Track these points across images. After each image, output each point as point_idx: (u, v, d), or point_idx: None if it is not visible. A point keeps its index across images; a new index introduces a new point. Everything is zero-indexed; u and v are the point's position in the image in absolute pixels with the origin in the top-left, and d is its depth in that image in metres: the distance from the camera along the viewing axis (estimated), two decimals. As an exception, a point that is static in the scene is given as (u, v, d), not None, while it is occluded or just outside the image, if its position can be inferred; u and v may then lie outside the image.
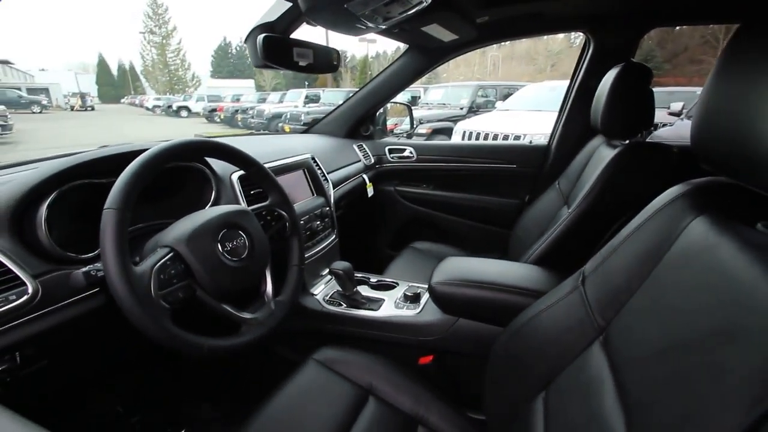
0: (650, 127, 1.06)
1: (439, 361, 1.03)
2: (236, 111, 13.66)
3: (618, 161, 0.99)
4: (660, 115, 5.27)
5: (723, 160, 0.45)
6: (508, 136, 4.45)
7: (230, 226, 0.75)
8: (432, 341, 0.99)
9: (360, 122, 1.82)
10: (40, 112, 21.23)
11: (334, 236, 1.32)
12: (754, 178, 0.41)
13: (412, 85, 1.81)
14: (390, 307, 1.07)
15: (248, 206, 0.92)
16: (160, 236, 0.70)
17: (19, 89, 24.64)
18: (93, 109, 28.09)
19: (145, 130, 14.68)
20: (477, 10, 1.22)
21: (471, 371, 1.00)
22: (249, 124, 12.01)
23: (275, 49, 0.94)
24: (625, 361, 0.49)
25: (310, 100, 12.63)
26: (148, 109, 26.56)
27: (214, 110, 16.04)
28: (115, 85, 50.63)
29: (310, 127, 1.88)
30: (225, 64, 56.74)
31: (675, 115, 5.12)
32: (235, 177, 1.00)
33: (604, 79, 1.09)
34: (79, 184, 0.72)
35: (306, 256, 1.13)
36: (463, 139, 5.01)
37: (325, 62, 1.08)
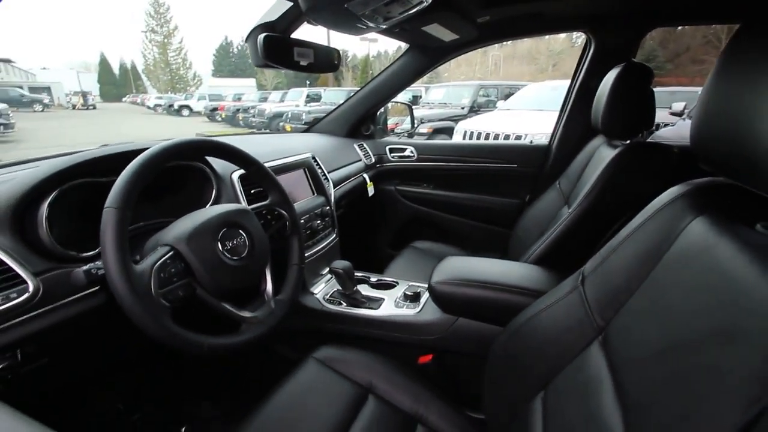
0: (651, 127, 1.06)
1: (438, 361, 1.03)
2: (237, 110, 13.67)
3: (618, 161, 0.99)
4: (662, 115, 5.27)
5: (722, 160, 0.45)
6: (509, 135, 4.44)
7: (230, 225, 0.75)
8: (431, 340, 0.99)
9: (361, 122, 1.82)
10: (42, 111, 21.25)
11: (334, 235, 1.32)
12: (753, 178, 0.41)
13: (413, 85, 1.81)
14: (390, 306, 1.07)
15: (249, 205, 0.92)
16: (160, 235, 0.70)
17: (21, 88, 24.70)
18: (95, 107, 28.11)
19: (146, 129, 14.70)
20: (478, 9, 1.21)
21: (470, 370, 1.00)
22: (250, 123, 12.02)
23: (276, 48, 0.94)
24: (623, 362, 0.49)
25: (312, 99, 12.63)
26: (149, 108, 26.56)
27: (215, 109, 16.04)
28: (116, 83, 50.73)
29: (310, 127, 1.88)
30: (226, 63, 56.81)
31: (677, 115, 5.11)
32: (235, 176, 1.01)
33: (604, 79, 1.09)
34: (80, 183, 0.73)
35: (306, 255, 1.13)
36: (464, 138, 5.01)
37: (326, 62, 1.08)
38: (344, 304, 1.09)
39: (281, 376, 0.84)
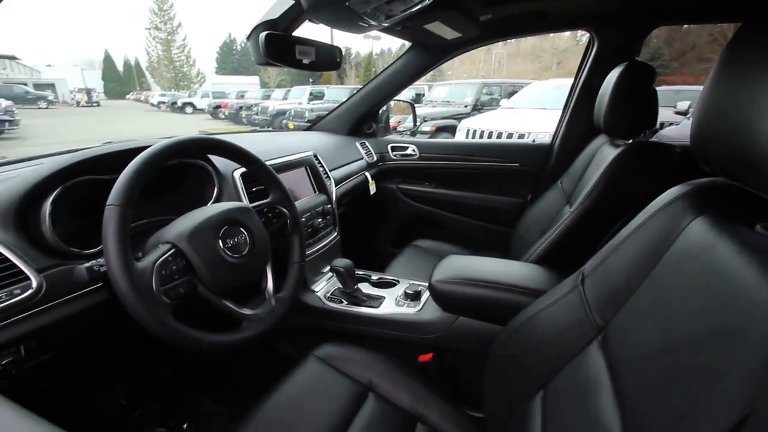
0: (653, 126, 1.06)
1: (438, 359, 1.03)
2: (241, 107, 13.69)
3: (620, 161, 0.99)
4: (667, 114, 5.24)
5: (721, 161, 0.45)
6: (512, 134, 4.41)
7: (231, 222, 0.75)
8: (432, 339, 1.00)
9: (363, 120, 1.82)
10: (47, 108, 21.37)
11: (335, 234, 1.33)
12: (752, 179, 0.41)
13: (416, 83, 1.81)
14: (390, 304, 1.07)
15: (250, 203, 0.93)
16: (162, 232, 0.71)
17: (26, 85, 24.84)
18: (99, 104, 28.19)
19: (149, 126, 14.75)
20: (480, 8, 1.21)
21: (470, 369, 1.00)
22: (253, 121, 12.04)
23: (277, 46, 0.94)
24: (622, 362, 0.49)
25: (315, 96, 12.63)
26: (153, 105, 26.63)
27: (218, 107, 16.06)
28: (120, 81, 50.85)
29: (313, 125, 1.88)
30: (230, 61, 56.81)
31: (681, 114, 5.08)
32: (237, 174, 1.01)
33: (607, 78, 1.09)
34: (83, 180, 0.73)
35: (308, 253, 1.14)
36: (467, 137, 4.99)
37: (328, 60, 1.08)
38: (345, 302, 1.09)
39: (282, 373, 0.85)
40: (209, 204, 0.89)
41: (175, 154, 0.71)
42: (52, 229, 0.67)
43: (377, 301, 1.09)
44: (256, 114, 11.77)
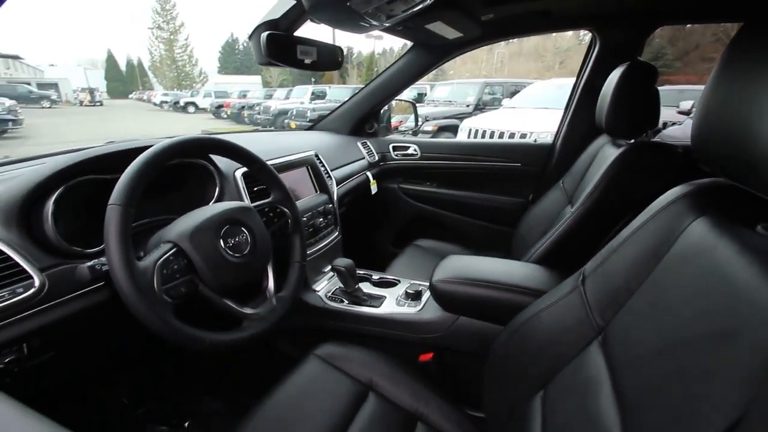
0: (655, 126, 1.05)
1: (439, 359, 1.03)
2: (243, 107, 13.72)
3: (622, 160, 0.99)
4: (670, 114, 5.21)
5: (722, 161, 0.45)
6: (514, 134, 4.40)
7: (232, 222, 0.76)
8: (432, 339, 1.00)
9: (364, 119, 1.82)
10: (50, 107, 21.44)
11: (337, 233, 1.33)
12: (752, 180, 0.41)
13: (418, 82, 1.81)
14: (391, 304, 1.07)
15: (251, 202, 0.93)
16: (163, 232, 0.71)
17: (30, 84, 24.94)
18: (101, 104, 28.28)
19: (152, 125, 14.78)
20: (481, 7, 1.21)
21: (471, 369, 1.00)
22: (255, 120, 12.06)
23: (279, 46, 0.94)
24: (622, 362, 0.48)
25: (317, 96, 12.63)
26: (155, 104, 26.69)
27: (221, 106, 16.09)
28: (123, 80, 51.01)
29: (314, 124, 1.88)
30: (232, 60, 56.90)
31: (684, 113, 5.05)
32: (238, 174, 1.01)
33: (609, 77, 1.08)
34: (86, 180, 0.73)
35: (309, 252, 1.14)
36: (469, 136, 4.98)
37: (329, 59, 1.08)
38: (346, 301, 1.09)
39: (283, 372, 0.85)
40: (211, 203, 0.89)
41: (176, 153, 0.71)
42: (54, 228, 0.67)
43: (378, 300, 1.09)
44: (259, 113, 11.79)
